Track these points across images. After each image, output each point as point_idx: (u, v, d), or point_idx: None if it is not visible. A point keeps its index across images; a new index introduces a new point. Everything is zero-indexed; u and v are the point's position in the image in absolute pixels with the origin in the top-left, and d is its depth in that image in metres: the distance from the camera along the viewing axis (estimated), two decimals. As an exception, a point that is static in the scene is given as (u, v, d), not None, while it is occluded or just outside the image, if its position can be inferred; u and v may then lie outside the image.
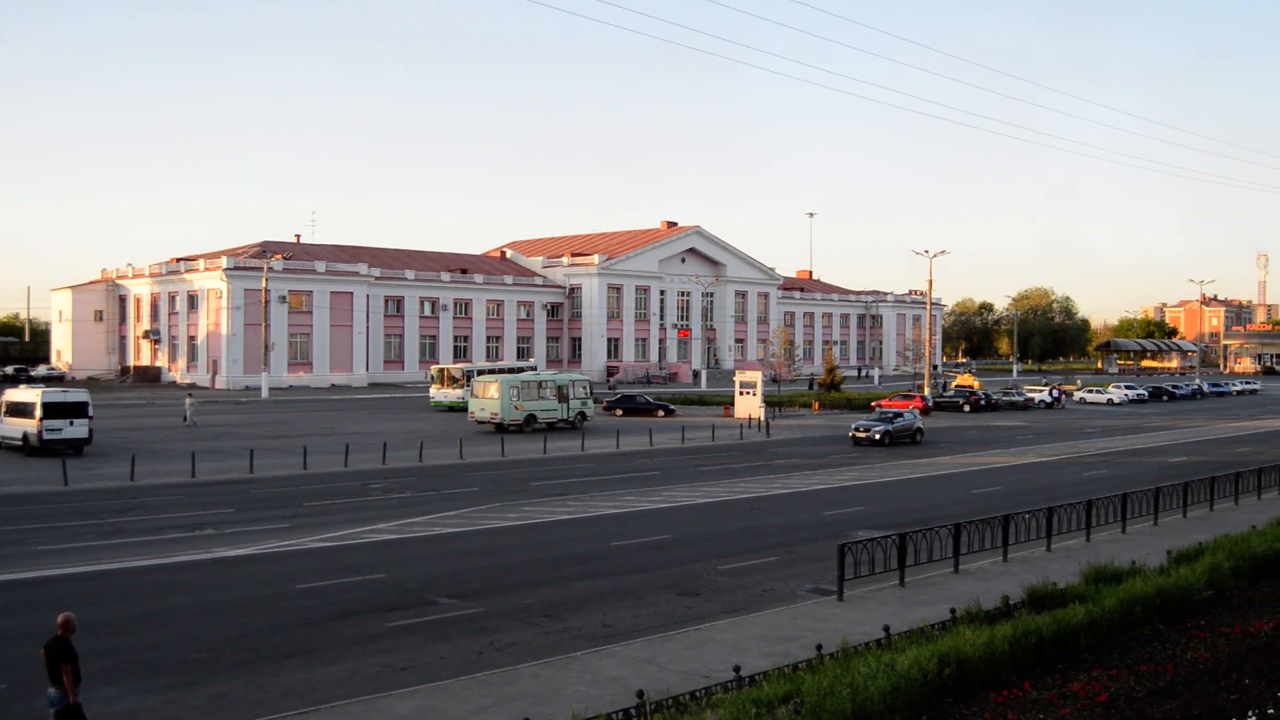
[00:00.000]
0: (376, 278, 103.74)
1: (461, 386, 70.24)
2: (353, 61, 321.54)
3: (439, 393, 74.04)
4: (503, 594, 21.78)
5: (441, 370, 76.24)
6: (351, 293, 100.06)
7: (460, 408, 67.09)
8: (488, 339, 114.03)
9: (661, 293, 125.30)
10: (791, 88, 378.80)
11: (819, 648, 15.48)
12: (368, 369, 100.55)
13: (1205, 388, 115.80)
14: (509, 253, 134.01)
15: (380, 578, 23.13)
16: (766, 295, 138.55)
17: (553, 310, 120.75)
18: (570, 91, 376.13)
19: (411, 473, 41.23)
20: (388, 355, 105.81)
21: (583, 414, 62.19)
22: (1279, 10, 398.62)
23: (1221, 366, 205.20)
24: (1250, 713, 9.91)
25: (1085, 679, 14.27)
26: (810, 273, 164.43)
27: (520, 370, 72.22)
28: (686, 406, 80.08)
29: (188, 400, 62.05)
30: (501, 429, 56.95)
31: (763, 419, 64.40)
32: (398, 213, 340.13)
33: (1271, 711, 9.45)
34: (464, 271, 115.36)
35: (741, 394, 71.52)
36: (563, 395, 61.23)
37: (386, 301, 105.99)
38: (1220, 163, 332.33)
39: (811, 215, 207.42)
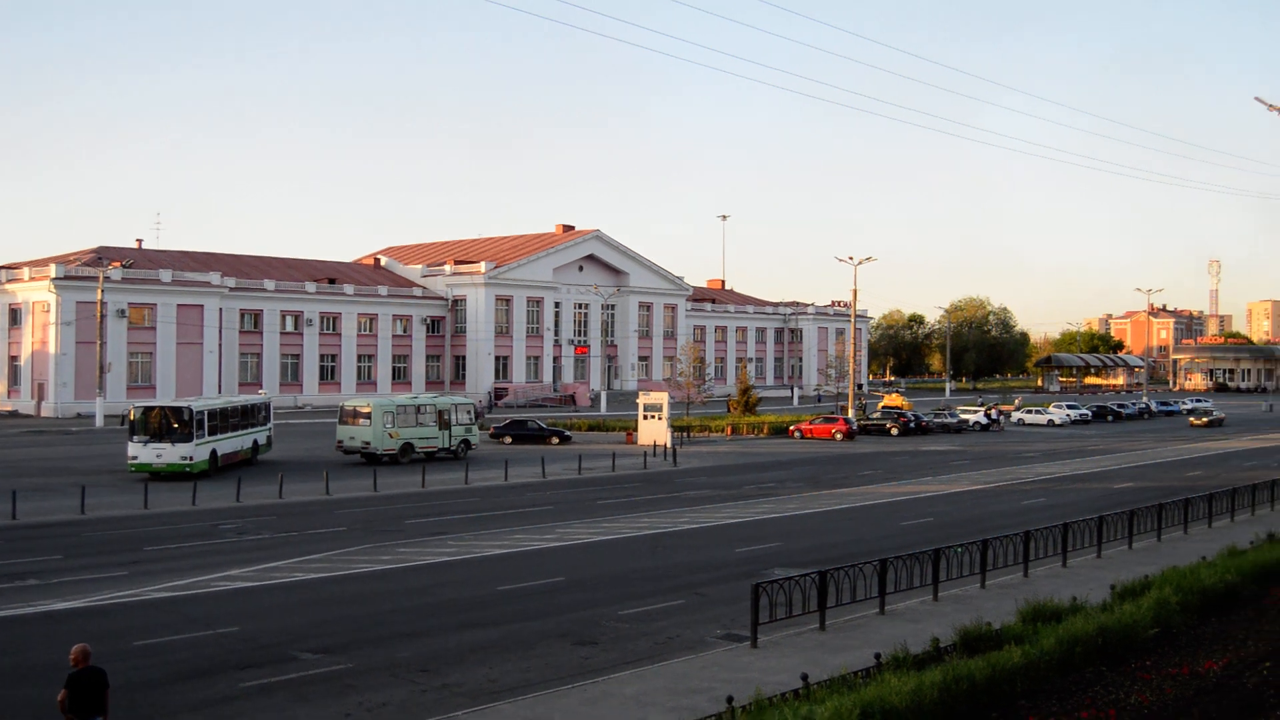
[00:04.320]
0: (231, 289, 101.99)
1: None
2: (200, 47, 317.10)
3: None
4: (374, 647, 21.53)
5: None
6: (202, 305, 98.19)
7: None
8: (359, 358, 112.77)
9: (557, 305, 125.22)
10: (700, 80, 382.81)
11: (729, 700, 15.53)
12: (220, 391, 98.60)
13: (1153, 407, 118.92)
14: (384, 260, 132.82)
15: (233, 631, 22.73)
16: (674, 307, 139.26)
17: (433, 325, 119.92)
18: (453, 81, 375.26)
19: (270, 510, 40.57)
20: (243, 377, 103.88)
21: (466, 442, 61.80)
22: (1226, 7, 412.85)
23: (1171, 383, 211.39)
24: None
25: (1021, 728, 14.53)
26: (723, 282, 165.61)
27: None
28: (584, 433, 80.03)
29: None
30: (374, 460, 56.31)
31: (669, 446, 64.60)
32: (256, 215, 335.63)
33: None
34: (332, 281, 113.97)
35: (646, 418, 71.69)
36: (444, 421, 60.79)
37: (242, 316, 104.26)
38: (1169, 163, 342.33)
39: (724, 218, 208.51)
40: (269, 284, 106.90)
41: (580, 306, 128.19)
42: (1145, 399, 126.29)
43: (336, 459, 57.28)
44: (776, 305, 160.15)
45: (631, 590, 27.10)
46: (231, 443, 53.55)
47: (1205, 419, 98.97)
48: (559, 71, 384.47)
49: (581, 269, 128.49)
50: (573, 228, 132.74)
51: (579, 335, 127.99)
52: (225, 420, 52.93)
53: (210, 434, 50.54)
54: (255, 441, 57.11)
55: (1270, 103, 34.01)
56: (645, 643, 22.01)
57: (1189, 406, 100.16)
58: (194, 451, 48.82)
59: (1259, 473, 53.40)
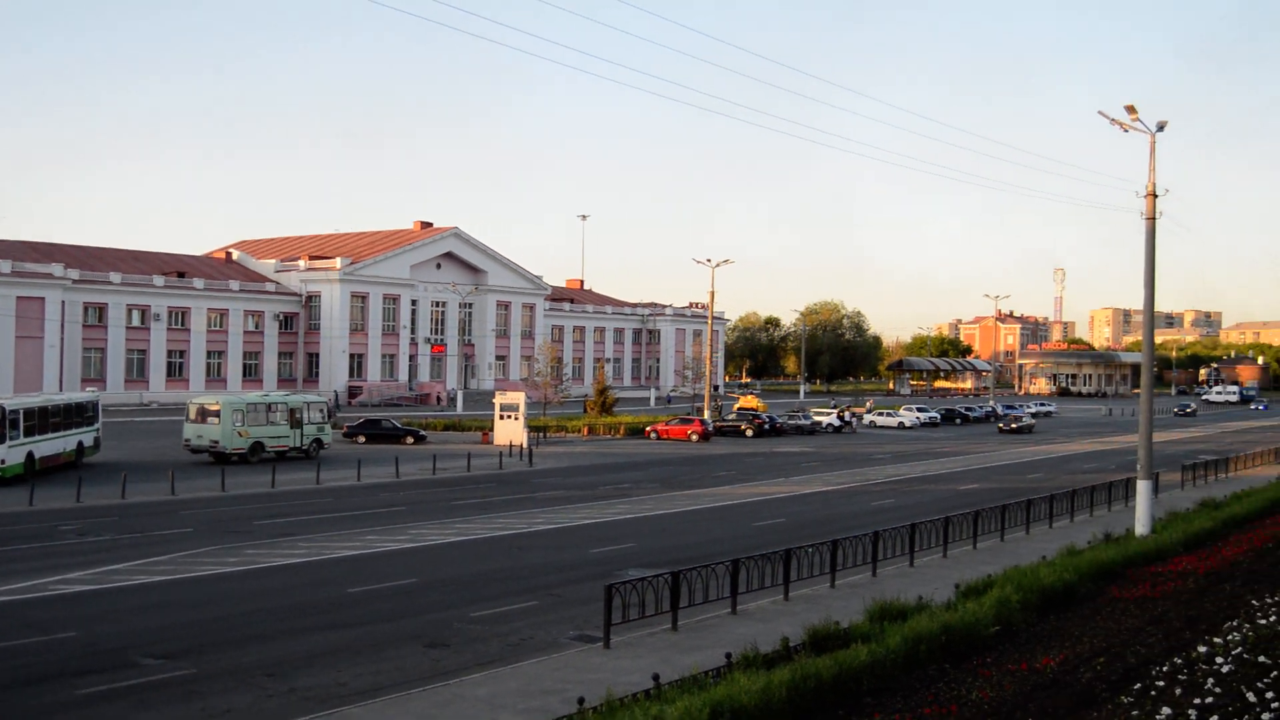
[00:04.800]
0: (74, 281, 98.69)
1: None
2: (47, 30, 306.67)
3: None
4: (219, 651, 21.09)
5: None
6: (43, 298, 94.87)
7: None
8: (208, 354, 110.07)
9: (414, 302, 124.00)
10: (561, 79, 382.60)
11: (581, 701, 15.59)
12: (61, 388, 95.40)
13: (999, 410, 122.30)
14: (236, 254, 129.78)
15: (71, 636, 22.06)
16: (533, 307, 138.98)
17: (286, 321, 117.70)
18: (310, 75, 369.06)
19: (112, 511, 39.48)
20: (86, 372, 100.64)
21: (319, 441, 60.89)
22: (1072, 14, 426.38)
23: (1017, 387, 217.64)
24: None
25: (867, 725, 14.84)
26: (582, 282, 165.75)
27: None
28: (440, 432, 79.37)
29: None
30: (223, 459, 55.11)
31: (525, 446, 64.51)
32: (103, 207, 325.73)
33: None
34: (181, 275, 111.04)
35: (502, 417, 71.48)
36: (296, 420, 59.80)
37: (86, 309, 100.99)
38: (1018, 173, 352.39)
39: (584, 219, 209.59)
40: (115, 277, 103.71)
41: (437, 305, 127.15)
42: (992, 403, 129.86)
43: (184, 458, 55.93)
44: (635, 306, 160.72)
45: (485, 591, 27.01)
46: (52, 444, 50.74)
47: (1015, 425, 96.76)
48: (419, 68, 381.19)
49: (440, 267, 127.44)
50: (431, 225, 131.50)
51: (436, 334, 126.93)
52: (44, 420, 50.10)
53: (26, 435, 47.78)
54: (81, 443, 54.28)
55: (1113, 117, 35.15)
56: (498, 644, 21.95)
57: (1001, 412, 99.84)
58: (6, 454, 46.19)
59: (1098, 475, 55.20)
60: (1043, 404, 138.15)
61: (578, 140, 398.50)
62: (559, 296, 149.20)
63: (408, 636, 22.46)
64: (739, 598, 24.18)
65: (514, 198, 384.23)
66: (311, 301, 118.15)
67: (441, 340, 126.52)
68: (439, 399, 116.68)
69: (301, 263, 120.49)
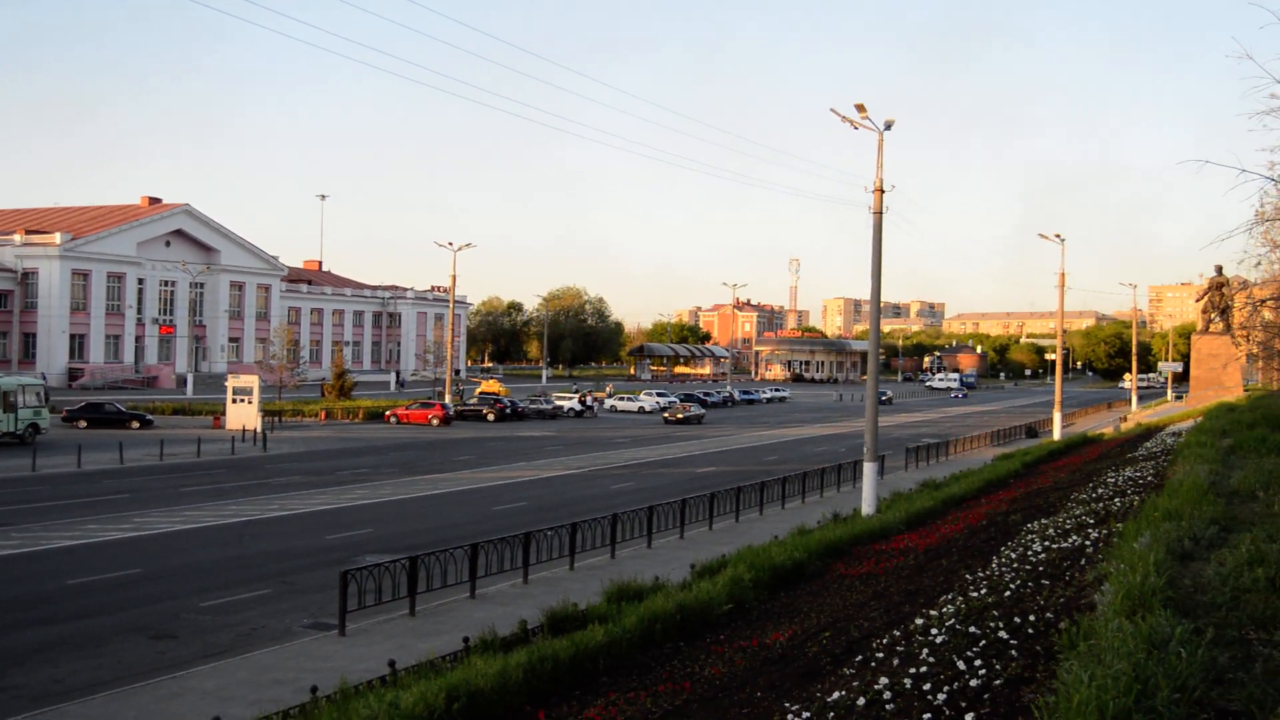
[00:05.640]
0: None
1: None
2: None
3: None
4: (-80, 649, 19.85)
5: None
6: None
7: None
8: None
9: (141, 281, 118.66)
10: (300, 56, 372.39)
11: (314, 690, 15.31)
12: None
13: (736, 395, 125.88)
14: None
15: None
16: (268, 288, 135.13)
17: (1, 299, 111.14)
18: (29, 40, 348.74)
19: None
20: None
21: (35, 426, 57.80)
22: (808, 19, 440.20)
23: (753, 373, 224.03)
24: (757, 726, 10.89)
25: (602, 704, 15.04)
26: (320, 263, 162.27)
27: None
28: (169, 416, 76.56)
29: None
30: (-74, 445, 51.79)
31: (260, 431, 62.84)
32: None
33: (777, 723, 10.43)
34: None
35: (235, 401, 69.56)
36: (9, 403, 56.64)
37: None
38: (756, 165, 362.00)
39: (323, 198, 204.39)
40: None
41: (166, 284, 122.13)
42: (729, 388, 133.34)
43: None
44: (375, 289, 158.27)
45: (215, 580, 26.17)
46: None
47: (680, 415, 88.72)
48: (147, 39, 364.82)
49: (169, 244, 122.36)
50: (160, 200, 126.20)
51: (165, 314, 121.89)
52: None
53: None
54: None
55: (845, 114, 36.49)
56: (229, 634, 21.33)
57: (669, 400, 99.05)
58: None
59: (829, 458, 57.30)
60: (777, 390, 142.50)
61: (316, 119, 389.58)
62: (296, 278, 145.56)
63: (132, 629, 21.59)
64: (478, 582, 24.18)
65: (249, 176, 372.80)
66: (28, 279, 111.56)
67: (170, 321, 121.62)
68: (158, 382, 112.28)
69: (17, 237, 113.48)
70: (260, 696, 16.95)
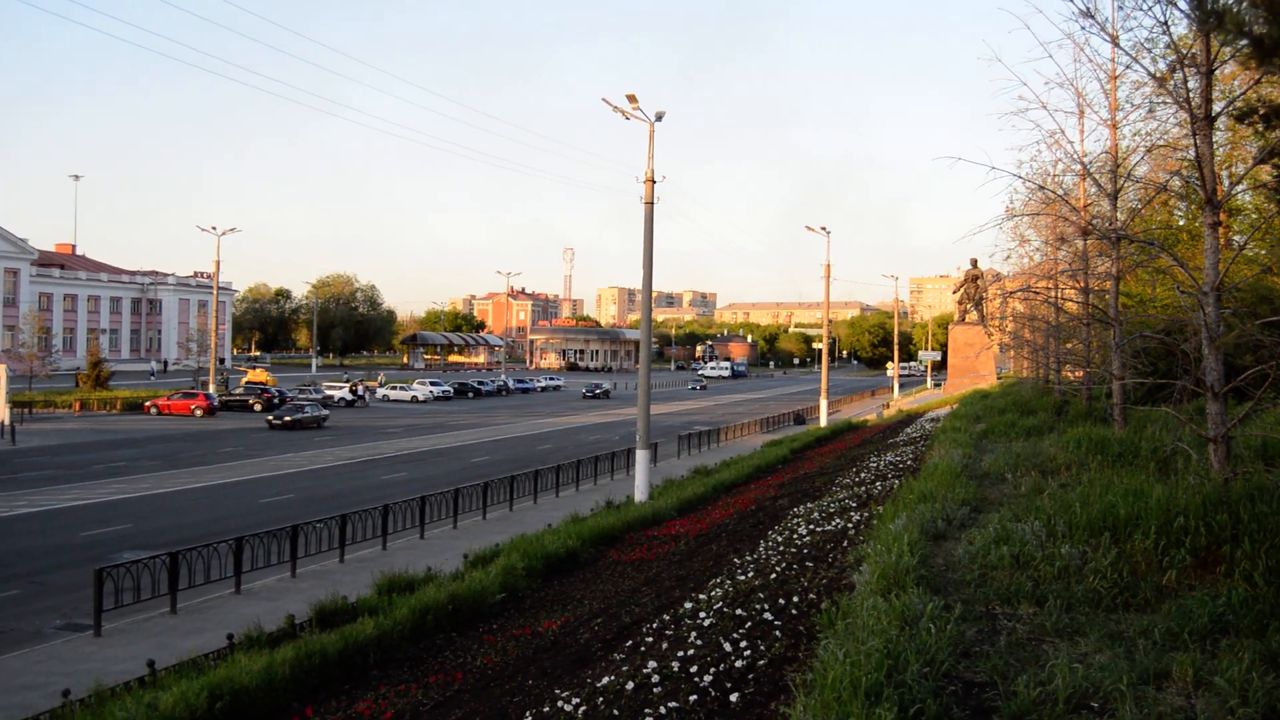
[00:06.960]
0: None
1: None
2: None
3: None
4: None
5: None
6: None
7: None
8: None
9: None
10: (36, 21, 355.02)
11: (66, 694, 14.75)
12: None
13: (511, 384, 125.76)
14: None
15: None
16: (16, 272, 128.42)
17: None
18: None
19: None
20: None
21: None
22: (579, 10, 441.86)
23: (529, 362, 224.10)
24: (528, 713, 10.96)
25: (373, 697, 14.91)
26: (74, 247, 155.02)
27: None
28: (-94, 409, 72.23)
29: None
30: None
31: (8, 423, 59.85)
32: None
33: (548, 710, 10.53)
34: None
35: (-19, 393, 66.05)
36: None
37: None
38: (530, 155, 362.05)
39: (77, 179, 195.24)
40: None
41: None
42: (504, 377, 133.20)
43: None
44: (134, 274, 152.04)
45: (-43, 582, 24.88)
46: None
47: (290, 418, 68.77)
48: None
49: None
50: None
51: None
52: None
53: None
54: None
55: (616, 104, 36.84)
56: (-28, 638, 20.33)
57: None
58: None
59: (603, 445, 57.86)
60: (552, 378, 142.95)
61: (70, 97, 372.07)
62: (48, 262, 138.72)
63: None
64: (244, 577, 23.65)
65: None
66: None
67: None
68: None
69: None
70: (8, 703, 16.22)
